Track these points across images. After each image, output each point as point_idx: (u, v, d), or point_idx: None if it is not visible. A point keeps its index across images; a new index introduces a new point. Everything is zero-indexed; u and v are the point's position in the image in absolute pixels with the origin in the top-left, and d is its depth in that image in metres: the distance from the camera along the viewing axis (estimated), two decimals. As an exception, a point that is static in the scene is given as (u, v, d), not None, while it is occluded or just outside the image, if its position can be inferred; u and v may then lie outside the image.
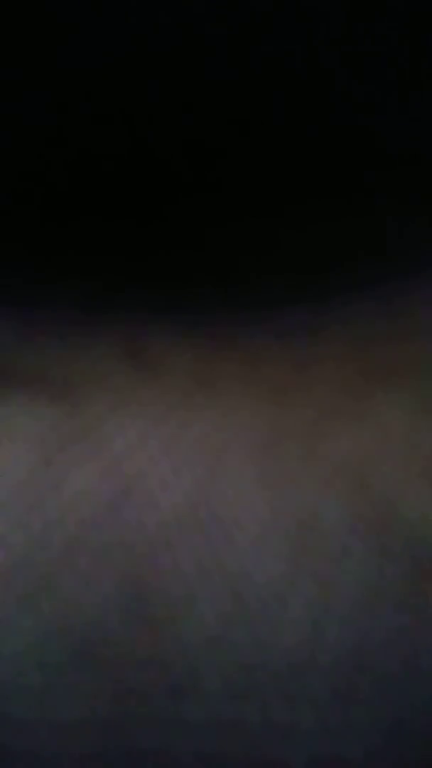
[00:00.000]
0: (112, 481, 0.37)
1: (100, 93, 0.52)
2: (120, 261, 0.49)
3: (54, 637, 0.31)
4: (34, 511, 0.36)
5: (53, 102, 0.52)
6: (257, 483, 0.37)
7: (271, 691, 0.30)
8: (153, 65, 0.52)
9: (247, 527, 0.35)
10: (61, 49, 0.51)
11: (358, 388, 0.42)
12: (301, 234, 0.51)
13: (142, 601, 0.32)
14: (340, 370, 0.43)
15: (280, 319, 0.46)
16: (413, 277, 0.49)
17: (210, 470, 0.38)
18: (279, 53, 0.52)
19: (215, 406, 0.41)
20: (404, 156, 0.54)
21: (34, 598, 0.32)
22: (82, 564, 0.34)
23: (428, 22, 0.52)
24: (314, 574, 0.34)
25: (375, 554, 0.34)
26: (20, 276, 0.48)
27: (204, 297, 0.47)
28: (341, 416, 0.40)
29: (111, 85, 0.52)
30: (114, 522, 0.35)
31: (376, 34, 0.52)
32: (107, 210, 0.52)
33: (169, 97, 0.52)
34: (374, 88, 0.53)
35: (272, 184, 0.53)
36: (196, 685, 0.30)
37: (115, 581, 0.33)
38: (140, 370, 0.43)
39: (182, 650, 0.31)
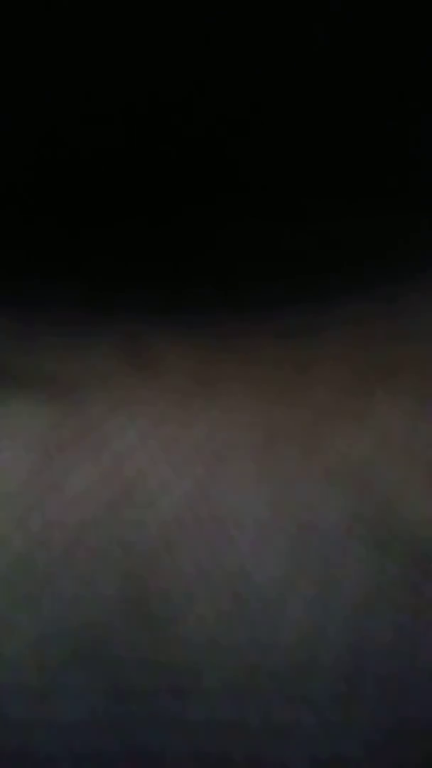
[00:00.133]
0: (112, 481, 0.37)
1: (100, 93, 0.52)
2: (120, 261, 0.49)
3: (54, 637, 0.31)
4: (34, 511, 0.36)
5: (54, 101, 0.52)
6: (257, 483, 0.37)
7: (271, 691, 0.30)
8: (153, 65, 0.52)
9: (247, 527, 0.35)
10: (61, 47, 0.51)
11: (358, 388, 0.42)
12: (301, 234, 0.51)
13: (142, 601, 0.32)
14: (340, 370, 0.43)
15: (280, 319, 0.46)
16: (413, 278, 0.49)
17: (210, 470, 0.38)
18: (280, 53, 0.52)
19: (215, 406, 0.41)
20: (405, 157, 0.54)
21: (34, 598, 0.32)
22: (82, 564, 0.34)
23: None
24: (314, 574, 0.34)
25: (375, 554, 0.34)
26: (20, 276, 0.48)
27: (204, 297, 0.47)
28: (341, 416, 0.40)
29: (111, 85, 0.52)
30: (114, 522, 0.35)
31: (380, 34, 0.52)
32: (107, 210, 0.52)
33: (169, 97, 0.52)
34: (375, 90, 0.53)
35: (272, 184, 0.53)
36: (196, 685, 0.30)
37: (115, 581, 0.33)
38: (140, 370, 0.43)
39: (182, 650, 0.31)
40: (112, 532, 0.35)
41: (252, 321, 0.46)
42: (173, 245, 0.50)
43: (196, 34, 0.51)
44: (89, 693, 0.30)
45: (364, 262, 0.50)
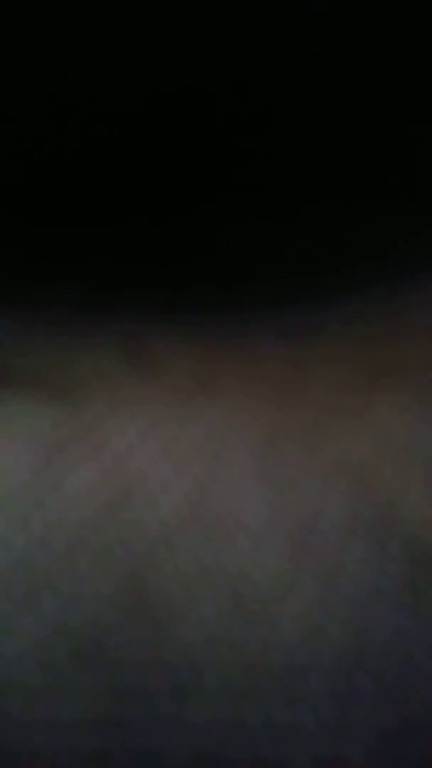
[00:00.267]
0: (112, 481, 0.37)
1: (100, 93, 0.52)
2: (120, 261, 0.49)
3: (54, 637, 0.31)
4: (34, 511, 0.36)
5: (54, 101, 0.52)
6: (257, 483, 0.37)
7: (271, 691, 0.30)
8: (153, 65, 0.52)
9: (247, 527, 0.35)
10: (61, 47, 0.51)
11: (358, 388, 0.42)
12: (301, 234, 0.51)
13: (142, 601, 0.32)
14: (340, 369, 0.43)
15: (280, 319, 0.46)
16: (413, 278, 0.49)
17: (210, 470, 0.38)
18: (280, 53, 0.52)
19: (215, 405, 0.41)
20: (405, 157, 0.54)
21: (34, 598, 0.32)
22: (82, 564, 0.34)
23: None
24: (314, 574, 0.34)
25: (375, 554, 0.34)
26: (20, 276, 0.48)
27: (204, 297, 0.47)
28: (341, 416, 0.40)
29: (111, 84, 0.52)
30: (114, 522, 0.35)
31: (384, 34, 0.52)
32: (107, 210, 0.52)
33: (169, 98, 0.52)
34: (376, 91, 0.53)
35: (272, 184, 0.53)
36: (196, 685, 0.30)
37: (115, 581, 0.33)
38: (140, 370, 0.43)
39: (182, 650, 0.31)
40: (112, 532, 0.35)
41: (252, 321, 0.46)
42: (173, 245, 0.50)
43: (196, 34, 0.51)
44: (89, 693, 0.30)
45: (364, 262, 0.50)
